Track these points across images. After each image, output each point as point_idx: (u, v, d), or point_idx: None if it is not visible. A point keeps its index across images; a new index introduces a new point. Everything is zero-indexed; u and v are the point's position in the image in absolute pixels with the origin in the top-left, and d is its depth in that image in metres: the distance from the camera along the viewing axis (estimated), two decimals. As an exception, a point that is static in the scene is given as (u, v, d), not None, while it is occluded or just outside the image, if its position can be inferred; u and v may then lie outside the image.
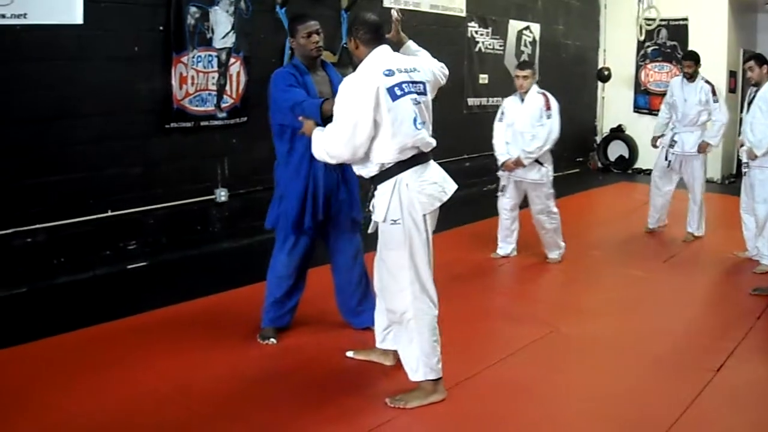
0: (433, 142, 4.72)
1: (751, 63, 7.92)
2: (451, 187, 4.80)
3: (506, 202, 8.18)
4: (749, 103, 8.02)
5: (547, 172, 7.94)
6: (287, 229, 5.50)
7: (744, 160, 8.00)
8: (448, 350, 4.86)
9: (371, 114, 4.45)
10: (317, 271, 5.95)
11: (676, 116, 9.36)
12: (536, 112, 7.83)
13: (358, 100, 4.47)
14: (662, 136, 9.54)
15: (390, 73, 4.56)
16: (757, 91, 7.90)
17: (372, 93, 4.45)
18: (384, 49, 4.71)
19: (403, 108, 4.54)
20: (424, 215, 4.63)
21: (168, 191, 7.96)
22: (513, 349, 5.64)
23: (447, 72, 5.08)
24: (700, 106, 9.16)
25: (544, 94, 7.92)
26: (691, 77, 9.31)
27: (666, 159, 9.44)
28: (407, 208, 4.57)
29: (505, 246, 8.33)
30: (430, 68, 4.90)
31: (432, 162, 4.77)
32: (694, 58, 9.43)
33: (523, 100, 7.97)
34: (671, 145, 9.35)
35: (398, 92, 4.54)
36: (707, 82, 9.28)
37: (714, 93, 9.17)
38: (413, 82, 4.65)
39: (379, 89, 4.47)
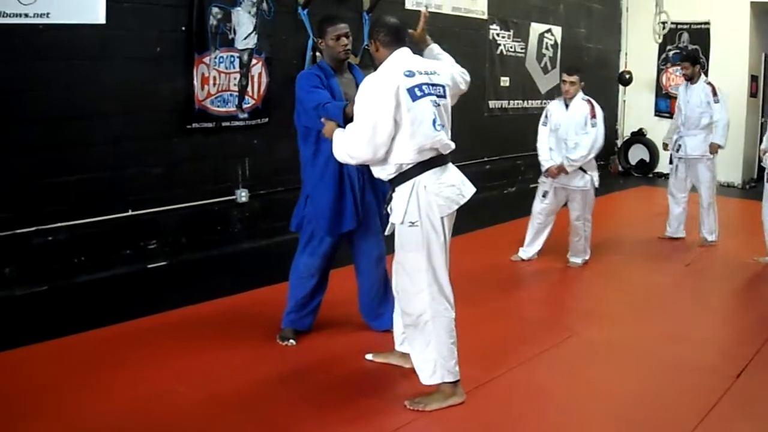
0: (452, 145, 4.70)
1: None
2: (469, 190, 4.78)
3: (544, 208, 8.11)
4: None
5: (591, 179, 7.84)
6: (317, 230, 5.49)
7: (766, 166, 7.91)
8: (467, 353, 4.86)
9: (391, 113, 4.44)
10: (339, 272, 5.92)
11: (681, 120, 9.35)
12: (581, 119, 7.72)
13: (378, 100, 4.47)
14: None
15: (410, 74, 4.56)
16: None
17: (392, 92, 4.45)
18: (404, 52, 4.71)
19: (422, 109, 4.54)
20: (442, 218, 4.62)
21: (189, 191, 7.98)
22: (533, 353, 5.62)
23: (469, 78, 5.07)
24: (701, 108, 9.13)
25: (589, 101, 7.79)
26: (691, 79, 9.30)
27: (671, 163, 9.44)
28: (425, 210, 4.57)
29: (529, 249, 8.29)
30: (450, 73, 4.89)
31: (450, 165, 4.76)
32: (690, 59, 9.44)
33: (567, 106, 7.86)
34: (677, 150, 9.35)
35: (418, 93, 4.54)
36: (708, 83, 9.27)
37: (714, 93, 9.13)
38: (433, 85, 4.64)
39: (400, 89, 4.47)
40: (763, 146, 8.45)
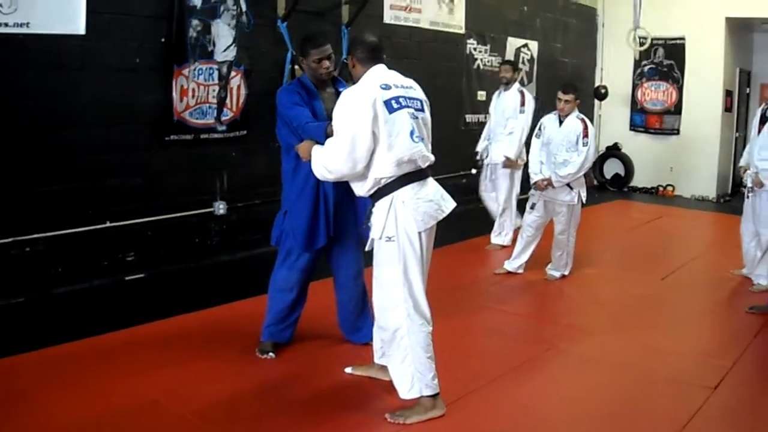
0: (431, 157, 4.72)
1: None
2: (449, 204, 4.80)
3: (533, 220, 8.13)
4: (761, 123, 7.86)
5: (578, 194, 7.88)
6: (294, 245, 5.49)
7: (749, 185, 7.94)
8: (447, 366, 4.88)
9: (369, 126, 4.46)
10: (320, 285, 5.92)
11: (489, 126, 9.77)
12: (572, 137, 7.76)
13: (355, 113, 4.49)
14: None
15: (386, 87, 4.61)
16: None
17: (369, 105, 4.48)
18: (381, 68, 4.76)
19: (399, 120, 4.56)
20: (420, 233, 4.63)
21: (167, 203, 7.96)
22: (511, 366, 5.64)
23: None
24: (510, 115, 9.46)
25: (583, 120, 7.84)
26: (507, 84, 9.59)
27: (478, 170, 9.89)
28: (402, 225, 4.58)
29: (516, 262, 8.31)
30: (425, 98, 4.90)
31: (430, 179, 4.77)
32: (512, 63, 9.96)
33: (561, 122, 7.89)
34: (486, 156, 9.71)
35: (395, 105, 4.57)
36: (520, 91, 9.59)
37: (522, 103, 9.44)
38: (409, 98, 4.69)
39: (376, 101, 4.50)
40: (741, 162, 8.50)
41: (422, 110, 4.76)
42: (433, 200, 4.69)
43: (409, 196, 4.59)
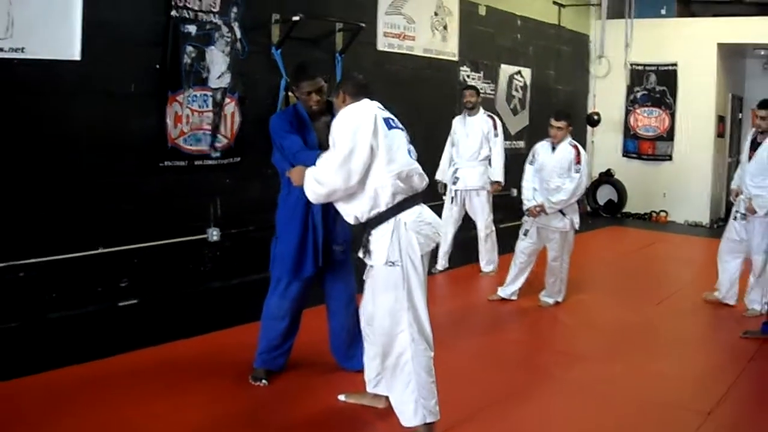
0: (426, 179, 4.76)
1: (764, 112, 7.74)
2: (443, 229, 4.85)
3: (526, 246, 8.14)
4: (752, 149, 7.89)
5: (571, 221, 7.90)
6: (281, 273, 5.49)
7: (741, 211, 7.95)
8: (441, 393, 4.84)
9: (369, 139, 4.50)
10: (313, 311, 5.89)
11: (456, 151, 9.61)
12: (565, 164, 7.79)
13: (356, 126, 4.53)
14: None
15: (383, 109, 4.72)
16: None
17: (370, 119, 4.54)
18: (368, 100, 4.79)
19: (397, 137, 4.65)
20: (422, 256, 4.64)
21: (160, 229, 7.94)
22: (506, 393, 5.63)
23: None
24: (477, 144, 9.46)
25: (576, 147, 7.86)
26: (472, 109, 9.59)
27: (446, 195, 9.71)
28: (405, 248, 4.58)
29: (509, 288, 8.30)
30: None
31: (424, 204, 4.79)
32: (475, 89, 9.92)
33: (554, 148, 7.91)
34: (454, 182, 9.56)
35: (392, 123, 4.68)
36: (489, 116, 9.66)
37: (495, 126, 9.54)
38: (400, 128, 4.77)
39: (377, 116, 4.57)
40: (733, 185, 8.53)
41: (410, 142, 4.82)
42: (431, 223, 4.72)
43: (412, 219, 4.61)
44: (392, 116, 4.77)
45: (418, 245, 4.60)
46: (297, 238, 5.36)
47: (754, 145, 7.86)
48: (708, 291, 8.49)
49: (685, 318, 7.99)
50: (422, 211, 4.70)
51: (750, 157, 7.84)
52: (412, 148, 4.77)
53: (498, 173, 9.51)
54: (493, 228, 9.65)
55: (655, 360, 6.57)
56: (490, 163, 9.55)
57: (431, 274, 8.61)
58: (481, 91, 10.78)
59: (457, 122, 9.71)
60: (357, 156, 4.49)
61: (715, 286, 8.35)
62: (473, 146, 9.48)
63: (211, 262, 8.50)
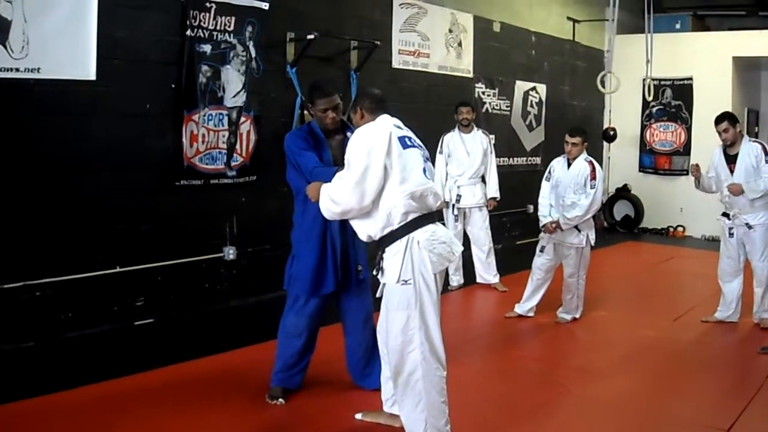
0: (441, 198, 4.78)
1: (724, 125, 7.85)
2: (457, 248, 4.82)
3: (543, 263, 8.12)
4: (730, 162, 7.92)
5: (586, 237, 7.89)
6: (300, 291, 5.48)
7: (744, 223, 7.93)
8: (458, 410, 4.84)
9: (383, 159, 4.49)
10: (330, 329, 5.88)
11: (457, 169, 9.61)
12: (580, 180, 7.78)
13: (370, 146, 4.53)
14: None
15: (399, 127, 4.71)
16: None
17: (385, 138, 4.54)
18: (387, 116, 4.81)
19: (412, 156, 4.63)
20: (435, 275, 4.62)
21: (176, 248, 7.96)
22: (524, 410, 5.62)
23: None
24: (477, 161, 9.55)
25: (591, 163, 7.85)
26: (468, 126, 9.58)
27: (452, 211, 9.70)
28: (418, 267, 4.56)
29: (526, 305, 8.26)
30: None
31: (439, 223, 4.78)
32: (470, 104, 9.91)
33: (569, 165, 7.92)
34: (457, 200, 9.57)
35: (408, 142, 4.66)
36: (484, 132, 9.78)
37: (491, 144, 9.71)
38: (418, 144, 4.77)
39: (392, 135, 4.57)
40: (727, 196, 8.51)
41: (428, 159, 4.81)
42: (446, 242, 4.70)
43: (425, 237, 4.58)
44: (410, 134, 4.77)
45: (431, 264, 4.57)
46: (315, 255, 5.36)
47: (730, 159, 7.91)
48: (705, 315, 8.40)
49: (703, 334, 7.93)
50: (436, 229, 4.68)
51: (731, 171, 7.83)
52: (429, 166, 4.76)
53: (496, 189, 9.60)
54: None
55: (673, 377, 6.53)
56: (483, 180, 9.64)
57: (447, 292, 8.62)
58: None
59: (452, 139, 9.61)
60: (371, 176, 4.49)
61: (719, 308, 8.29)
62: (475, 164, 9.53)
63: (228, 280, 8.50)
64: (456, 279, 9.60)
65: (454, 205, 9.56)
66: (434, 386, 4.59)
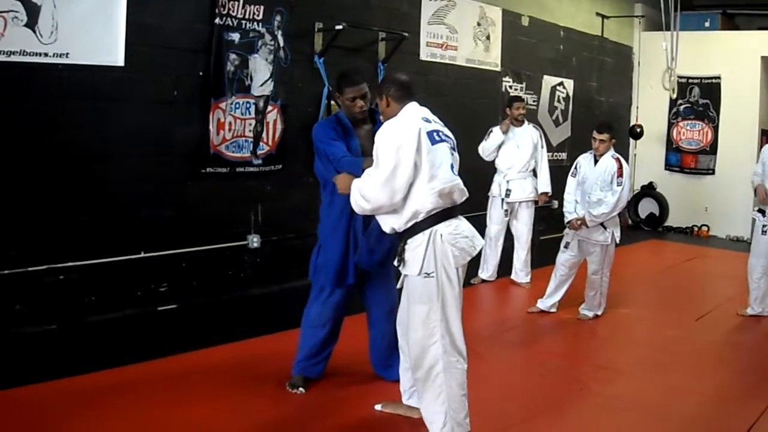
0: (467, 193, 4.73)
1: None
2: (479, 242, 4.79)
3: (567, 259, 8.10)
4: None
5: (612, 234, 7.85)
6: (325, 281, 5.49)
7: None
8: (479, 405, 4.85)
9: (413, 156, 4.46)
10: (352, 320, 5.86)
11: (507, 164, 9.59)
12: (607, 177, 7.73)
13: (399, 143, 4.49)
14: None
15: (427, 120, 4.66)
16: None
17: (414, 135, 4.49)
18: (415, 104, 4.78)
19: (441, 152, 4.60)
20: (457, 268, 4.62)
21: (201, 235, 8.00)
22: (545, 406, 5.60)
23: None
24: (528, 155, 9.54)
25: (618, 160, 7.80)
26: (522, 122, 9.63)
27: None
28: (441, 260, 4.55)
29: (549, 301, 8.24)
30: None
31: (461, 217, 4.77)
32: (522, 99, 10.09)
33: (596, 161, 7.87)
34: (507, 194, 9.54)
35: (437, 137, 4.61)
36: (536, 127, 9.84)
37: (542, 138, 9.70)
38: (446, 135, 4.73)
39: (421, 131, 4.52)
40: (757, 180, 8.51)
41: (455, 149, 4.79)
42: (468, 236, 4.68)
43: (448, 231, 4.58)
44: (439, 125, 4.74)
45: (453, 258, 4.57)
46: (341, 247, 5.37)
47: None
48: (742, 308, 8.41)
49: (725, 333, 7.90)
50: (459, 223, 4.68)
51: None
52: (456, 158, 4.74)
53: (547, 184, 9.53)
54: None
55: (695, 376, 6.50)
56: (534, 174, 9.58)
57: (468, 286, 8.62)
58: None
59: (500, 134, 9.55)
60: (400, 174, 4.47)
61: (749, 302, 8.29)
62: (524, 158, 9.50)
63: (251, 268, 8.53)
64: (487, 274, 9.64)
65: (503, 200, 9.55)
66: (455, 379, 4.59)
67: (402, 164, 4.46)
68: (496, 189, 9.59)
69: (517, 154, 9.51)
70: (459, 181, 4.67)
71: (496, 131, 9.46)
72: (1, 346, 6.24)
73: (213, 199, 8.10)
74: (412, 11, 10.35)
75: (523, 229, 9.63)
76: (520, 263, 9.65)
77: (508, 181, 9.51)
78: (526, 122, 9.67)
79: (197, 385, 5.68)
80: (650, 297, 9.67)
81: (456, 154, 4.78)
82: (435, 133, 4.63)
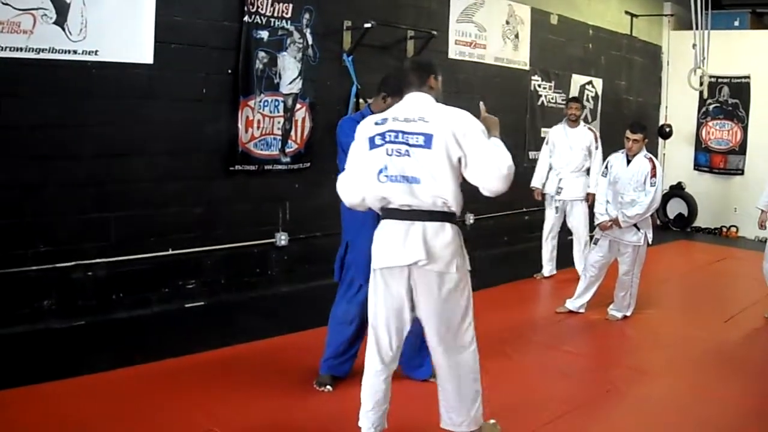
0: (411, 202, 4.29)
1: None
2: (411, 256, 4.30)
3: (597, 260, 8.04)
4: None
5: (644, 235, 7.80)
6: (356, 274, 5.48)
7: None
8: (507, 405, 4.84)
9: (357, 158, 4.45)
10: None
11: (559, 162, 9.78)
12: (640, 177, 7.66)
13: (353, 145, 4.51)
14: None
15: (382, 122, 4.36)
16: None
17: (358, 139, 4.46)
18: (409, 98, 4.46)
19: (374, 158, 4.33)
20: (375, 270, 4.49)
21: (229, 233, 8.02)
22: (573, 406, 5.57)
23: (505, 171, 4.21)
24: (581, 155, 9.70)
25: (651, 160, 7.74)
26: (575, 120, 9.79)
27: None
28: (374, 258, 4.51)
29: (578, 301, 8.19)
30: (452, 130, 4.22)
31: (413, 223, 4.32)
32: (579, 100, 10.26)
33: (629, 161, 7.79)
34: (558, 192, 9.69)
35: (378, 141, 4.32)
36: (590, 129, 9.97)
37: (596, 139, 9.76)
38: (405, 132, 4.27)
39: (363, 136, 4.43)
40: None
41: (422, 146, 4.22)
42: (390, 243, 4.41)
43: (377, 232, 4.50)
44: (405, 118, 4.30)
45: (374, 258, 4.49)
46: (370, 243, 5.34)
47: None
48: (758, 316, 8.34)
49: (753, 336, 7.83)
50: (392, 227, 4.39)
51: None
52: (395, 164, 4.27)
53: (594, 184, 9.47)
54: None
55: (721, 380, 6.42)
56: (587, 173, 9.72)
57: (496, 285, 8.62)
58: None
59: (557, 133, 9.90)
60: (348, 174, 4.52)
61: None
62: (577, 158, 9.67)
63: (279, 266, 8.55)
64: (549, 269, 9.89)
65: (553, 197, 9.76)
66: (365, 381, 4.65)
67: (349, 165, 4.49)
68: (550, 186, 9.81)
69: (569, 154, 9.69)
70: (384, 188, 4.31)
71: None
72: (30, 342, 6.29)
73: (241, 197, 8.12)
74: (440, 9, 10.34)
75: (578, 226, 9.79)
76: (577, 257, 9.78)
77: (560, 180, 9.68)
78: (582, 123, 9.86)
79: (224, 382, 5.69)
80: (678, 298, 9.61)
81: (419, 152, 4.22)
82: (379, 137, 4.32)
